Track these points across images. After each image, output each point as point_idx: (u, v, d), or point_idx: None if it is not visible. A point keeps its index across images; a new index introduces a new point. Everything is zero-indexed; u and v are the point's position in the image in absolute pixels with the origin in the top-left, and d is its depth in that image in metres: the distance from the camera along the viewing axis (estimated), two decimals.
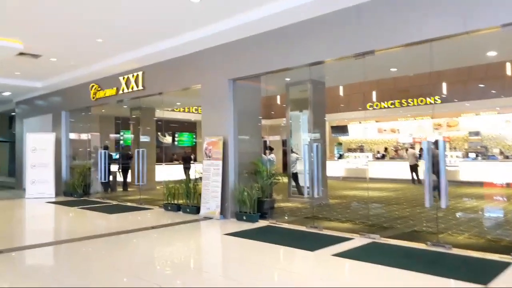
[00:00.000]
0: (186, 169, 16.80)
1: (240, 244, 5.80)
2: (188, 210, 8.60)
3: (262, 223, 7.29)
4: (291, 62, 7.16)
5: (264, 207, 7.65)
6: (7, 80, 12.27)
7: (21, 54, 9.19)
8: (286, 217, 7.84)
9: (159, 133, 17.44)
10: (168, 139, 21.69)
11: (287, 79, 9.86)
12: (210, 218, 7.88)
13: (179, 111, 19.72)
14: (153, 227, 7.12)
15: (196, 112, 20.65)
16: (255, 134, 8.60)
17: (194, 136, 23.49)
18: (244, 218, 7.49)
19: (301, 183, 10.52)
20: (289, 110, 10.65)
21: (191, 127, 23.05)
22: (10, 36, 8.17)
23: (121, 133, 19.04)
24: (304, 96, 10.16)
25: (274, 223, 7.21)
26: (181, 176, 16.21)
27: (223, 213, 7.88)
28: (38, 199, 11.73)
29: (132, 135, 15.77)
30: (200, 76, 8.67)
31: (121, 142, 19.07)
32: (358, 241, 5.70)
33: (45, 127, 13.88)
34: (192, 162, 17.38)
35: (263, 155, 8.96)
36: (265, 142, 9.88)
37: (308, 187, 7.08)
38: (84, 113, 13.01)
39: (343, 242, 5.63)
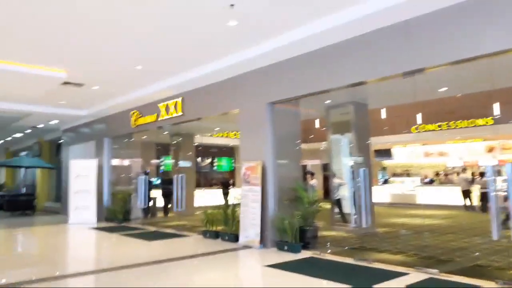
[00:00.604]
0: (225, 194, 16.63)
1: (282, 278, 5.37)
2: (226, 237, 8.28)
3: (304, 253, 6.82)
4: (331, 84, 6.82)
5: (306, 236, 7.19)
6: (54, 109, 12.74)
7: (66, 83, 9.47)
8: (330, 248, 7.31)
9: (198, 159, 17.49)
10: (207, 164, 21.73)
11: (328, 101, 9.51)
12: (250, 247, 7.50)
13: (218, 136, 19.75)
14: (192, 256, 6.84)
15: (235, 137, 20.62)
16: (294, 159, 8.24)
17: (233, 161, 23.42)
18: (286, 248, 7.05)
19: (345, 209, 9.97)
20: (330, 134, 10.23)
21: (229, 152, 23.00)
22: (54, 66, 8.43)
23: (162, 159, 19.31)
24: (345, 118, 9.75)
25: (318, 254, 6.71)
26: (220, 201, 16.13)
27: (263, 242, 7.48)
28: (81, 225, 11.85)
29: (173, 160, 15.90)
30: (238, 100, 8.51)
31: (162, 167, 19.33)
32: (414, 276, 5.11)
33: (89, 154, 14.22)
34: (230, 187, 17.21)
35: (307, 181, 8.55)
36: (305, 166, 9.48)
37: (355, 215, 6.58)
38: (126, 140, 13.21)
39: (397, 278, 5.07)
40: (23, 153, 23.28)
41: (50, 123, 14.80)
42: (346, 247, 7.37)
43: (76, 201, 12.63)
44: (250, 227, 7.68)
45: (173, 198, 10.52)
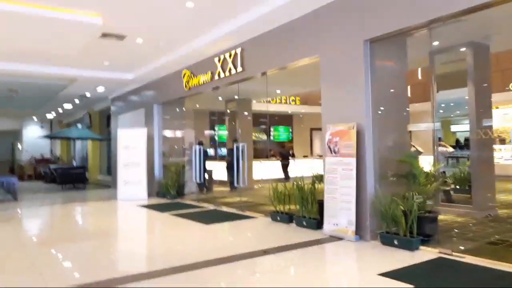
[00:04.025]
0: (285, 166, 14.99)
1: None
2: (304, 223, 6.43)
3: (426, 252, 4.78)
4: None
5: (424, 226, 5.11)
6: (98, 73, 11.39)
7: (104, 35, 7.88)
8: (458, 242, 5.21)
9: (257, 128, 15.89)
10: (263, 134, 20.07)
11: (435, 43, 7.14)
12: (340, 239, 5.59)
13: (275, 102, 17.91)
14: (265, 252, 5.05)
15: (293, 102, 18.74)
16: (401, 122, 6.10)
17: (290, 130, 21.57)
18: (396, 242, 5.04)
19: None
20: (434, 89, 7.84)
21: (286, 120, 21.11)
22: (87, 9, 6.77)
23: (216, 129, 17.92)
24: (459, 68, 7.37)
25: (447, 254, 4.64)
26: (279, 174, 14.48)
27: (359, 232, 5.52)
28: (131, 202, 10.57)
29: (228, 130, 14.40)
30: (318, 43, 6.38)
31: (216, 137, 18.03)
32: None
33: (138, 123, 12.90)
34: (290, 158, 15.49)
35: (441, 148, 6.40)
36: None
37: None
38: (177, 108, 11.64)
39: None
40: (78, 125, 22.79)
41: (97, 90, 13.55)
42: (481, 241, 5.23)
43: (125, 175, 11.35)
44: (340, 212, 5.72)
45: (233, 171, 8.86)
